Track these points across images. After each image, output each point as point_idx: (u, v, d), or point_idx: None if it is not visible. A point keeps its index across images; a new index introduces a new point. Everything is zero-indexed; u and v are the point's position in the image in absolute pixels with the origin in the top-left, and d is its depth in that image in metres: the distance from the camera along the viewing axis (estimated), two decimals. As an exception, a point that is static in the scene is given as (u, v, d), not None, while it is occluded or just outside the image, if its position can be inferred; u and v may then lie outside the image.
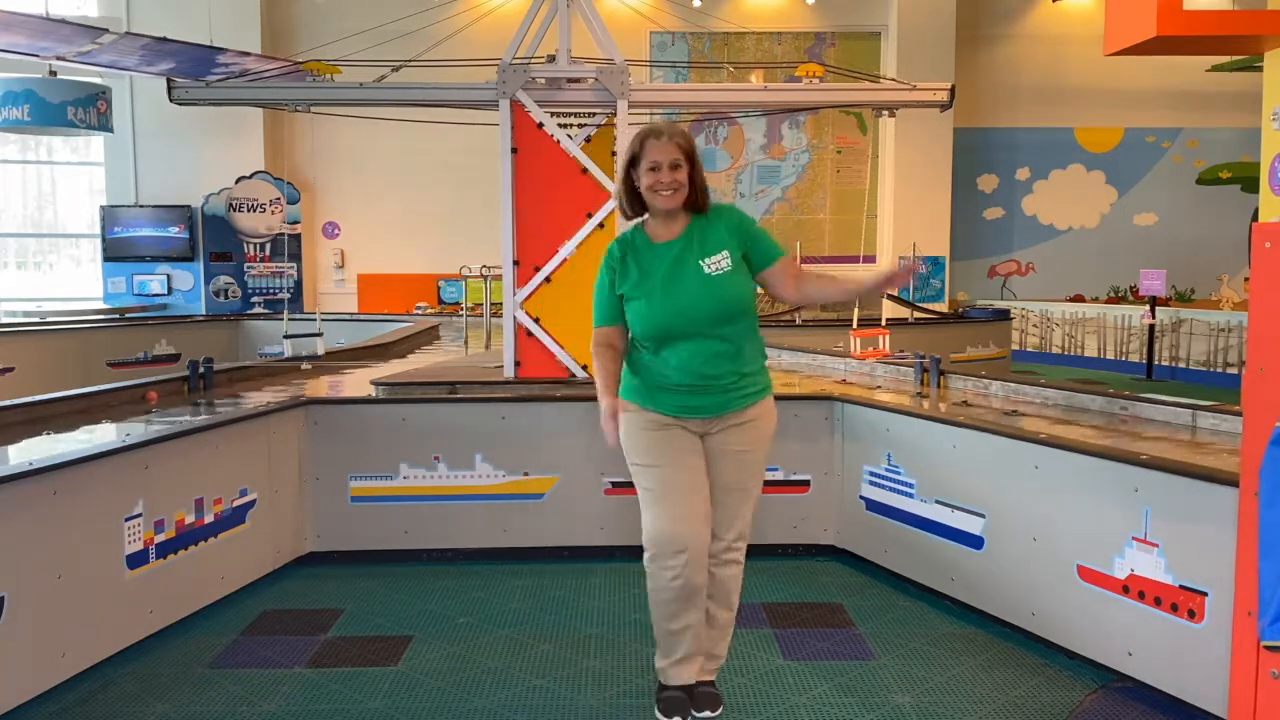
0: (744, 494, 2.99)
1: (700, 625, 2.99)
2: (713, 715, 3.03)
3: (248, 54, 11.19)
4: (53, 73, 10.92)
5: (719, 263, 2.87)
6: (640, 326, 2.90)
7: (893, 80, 6.04)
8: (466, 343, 8.28)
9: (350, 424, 4.63)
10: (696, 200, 2.93)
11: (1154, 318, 11.61)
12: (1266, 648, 2.40)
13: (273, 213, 13.58)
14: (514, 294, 5.14)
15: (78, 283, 14.18)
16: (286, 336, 6.82)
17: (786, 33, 14.20)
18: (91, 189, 14.13)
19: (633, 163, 2.90)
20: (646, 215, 2.99)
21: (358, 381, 5.61)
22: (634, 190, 2.93)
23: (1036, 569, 3.60)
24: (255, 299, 13.60)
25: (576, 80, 5.19)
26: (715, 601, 3.04)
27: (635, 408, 2.94)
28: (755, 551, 4.61)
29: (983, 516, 3.85)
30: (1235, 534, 2.53)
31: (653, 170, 2.85)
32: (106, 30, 10.32)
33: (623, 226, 3.18)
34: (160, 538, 3.70)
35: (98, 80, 11.80)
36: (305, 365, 6.18)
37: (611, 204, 5.02)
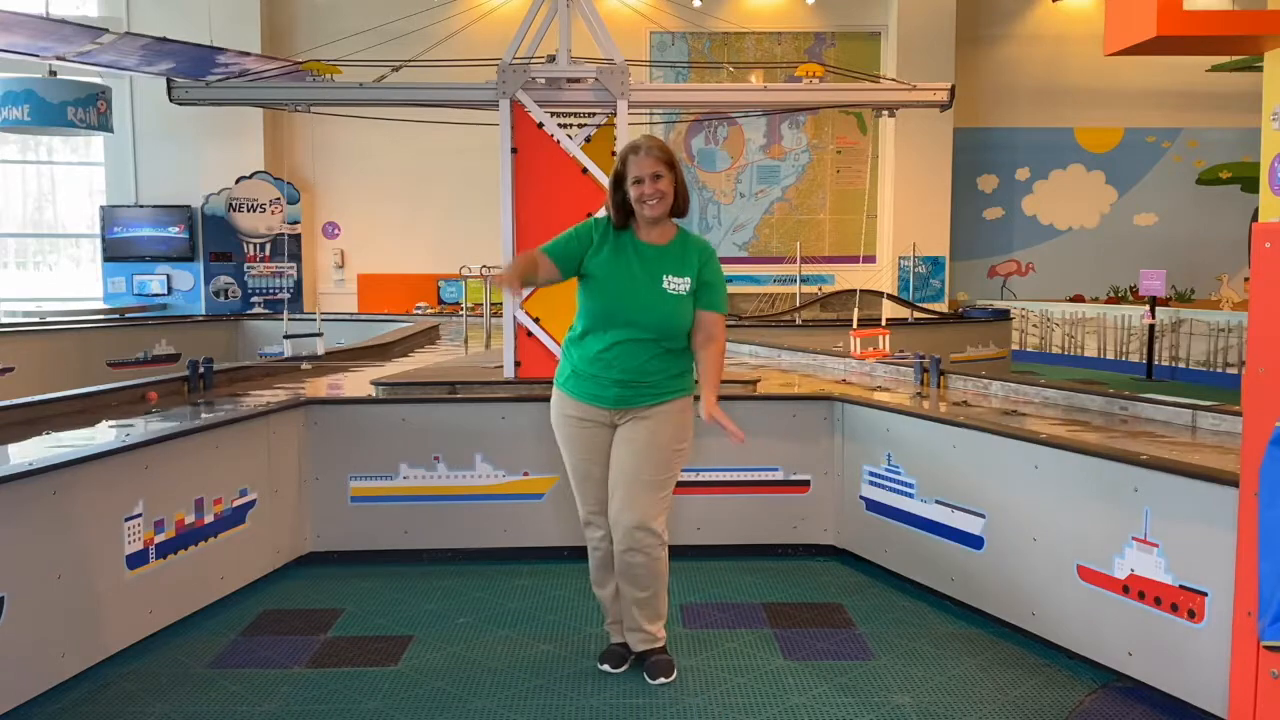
0: (639, 484, 3.15)
1: (615, 594, 3.34)
2: (666, 681, 3.28)
3: (248, 54, 11.19)
4: (53, 73, 10.93)
5: (679, 285, 3.14)
6: (592, 301, 3.15)
7: (893, 80, 6.04)
8: (466, 343, 8.29)
9: (350, 424, 4.63)
10: (678, 205, 3.19)
11: (1154, 318, 11.62)
12: (1266, 648, 2.40)
13: (273, 213, 13.58)
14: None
15: (78, 283, 14.19)
16: (286, 336, 6.82)
17: (786, 33, 14.21)
18: (91, 189, 14.14)
19: (619, 179, 3.16)
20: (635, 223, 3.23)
21: (358, 381, 5.61)
22: (622, 203, 3.18)
23: (1036, 569, 3.60)
24: (255, 299, 13.60)
25: (576, 80, 5.19)
26: (626, 583, 3.25)
27: (562, 395, 3.28)
28: (755, 552, 4.66)
29: (983, 516, 3.85)
30: (1235, 534, 2.53)
31: (637, 183, 3.11)
32: (106, 30, 10.32)
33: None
34: (160, 538, 3.70)
35: (98, 80, 11.81)
36: (305, 365, 6.18)
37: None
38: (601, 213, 3.38)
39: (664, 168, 3.12)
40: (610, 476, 3.21)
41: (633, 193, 3.12)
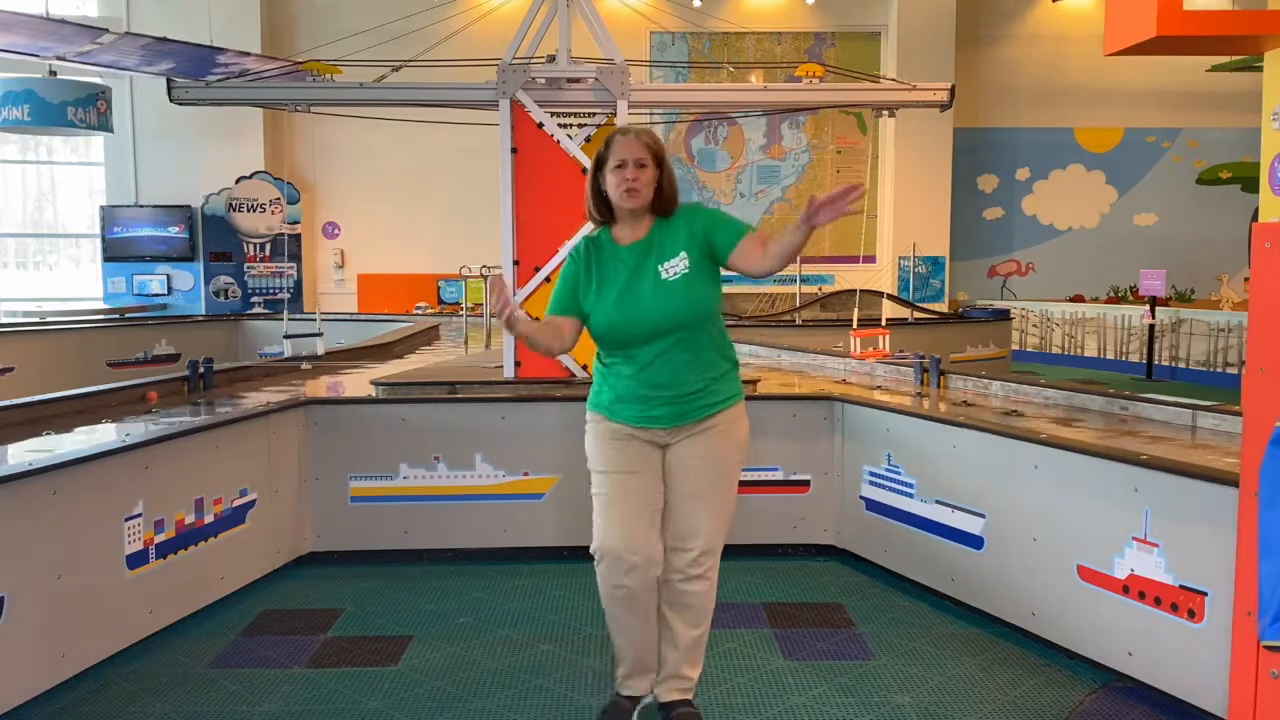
0: (706, 503, 2.87)
1: (650, 638, 2.93)
2: None
3: (248, 54, 11.19)
4: (53, 73, 10.93)
5: (676, 266, 2.81)
6: (598, 334, 2.87)
7: (893, 80, 6.04)
8: (466, 343, 8.28)
9: (350, 424, 4.63)
10: (663, 205, 2.87)
11: (1154, 318, 11.62)
12: (1266, 648, 2.40)
13: (273, 213, 13.58)
14: (514, 294, 5.14)
15: (78, 283, 14.19)
16: (286, 336, 6.83)
17: (786, 33, 14.21)
18: (91, 189, 14.14)
19: (599, 165, 2.85)
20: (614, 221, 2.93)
21: (358, 381, 5.61)
22: (601, 195, 2.88)
23: (1036, 569, 3.60)
24: (255, 299, 13.60)
25: (576, 80, 5.18)
26: (681, 619, 2.92)
27: (600, 418, 2.92)
28: (755, 551, 4.65)
29: (983, 516, 3.85)
30: (1235, 534, 2.53)
31: (619, 167, 2.79)
32: (106, 30, 10.33)
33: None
34: (160, 538, 3.70)
35: (98, 80, 11.81)
36: (305, 365, 6.18)
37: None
38: (578, 239, 3.04)
39: (649, 157, 2.81)
40: (669, 500, 2.89)
41: (612, 178, 2.80)
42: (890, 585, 4.31)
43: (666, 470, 2.89)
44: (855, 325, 5.93)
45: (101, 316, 11.33)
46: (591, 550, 2.86)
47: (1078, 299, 14.71)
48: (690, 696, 2.98)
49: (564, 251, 5.07)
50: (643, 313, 2.79)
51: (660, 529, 2.89)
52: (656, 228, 2.88)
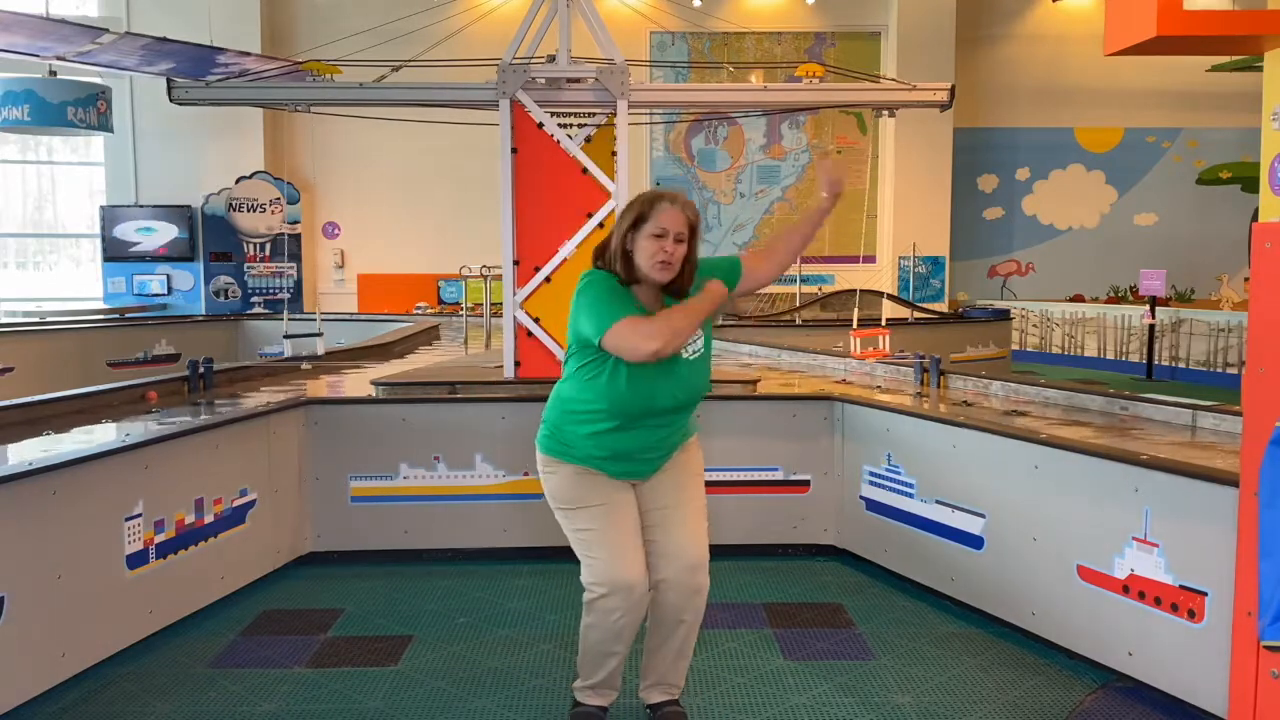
0: (692, 515, 2.82)
1: (624, 659, 2.86)
2: None
3: (248, 54, 11.19)
4: (53, 73, 10.93)
5: (695, 344, 2.74)
6: (610, 403, 2.68)
7: (893, 80, 6.04)
8: (466, 343, 8.28)
9: (350, 424, 4.63)
10: (681, 284, 2.72)
11: (1154, 318, 11.62)
12: (1266, 648, 2.40)
13: (273, 213, 13.58)
14: (514, 294, 5.14)
15: (78, 283, 14.19)
16: (286, 336, 6.82)
17: (786, 33, 14.21)
18: (91, 189, 14.14)
19: (637, 223, 2.67)
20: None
21: (358, 381, 5.61)
22: (627, 253, 2.70)
23: (1036, 569, 3.60)
24: (255, 299, 13.60)
25: (576, 80, 5.19)
26: (674, 630, 2.84)
27: (578, 469, 2.80)
28: (755, 551, 4.65)
29: (983, 516, 3.85)
30: (1235, 534, 2.53)
31: (659, 237, 2.64)
32: (106, 30, 10.32)
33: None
34: (160, 538, 3.70)
35: (98, 80, 11.80)
36: (305, 365, 6.18)
37: (611, 204, 5.03)
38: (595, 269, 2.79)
39: (689, 233, 2.68)
40: (657, 519, 2.81)
41: (648, 245, 2.63)
42: (890, 585, 4.31)
43: (643, 497, 2.84)
44: (855, 325, 5.92)
45: (101, 316, 11.33)
46: (592, 585, 2.75)
47: (1078, 299, 14.71)
48: (677, 695, 2.98)
49: (564, 252, 5.07)
50: (671, 391, 2.70)
51: (653, 548, 2.82)
52: (670, 300, 2.75)
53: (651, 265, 2.65)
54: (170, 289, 13.55)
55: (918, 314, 11.08)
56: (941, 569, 4.07)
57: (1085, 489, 3.39)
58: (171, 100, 5.47)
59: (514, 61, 5.12)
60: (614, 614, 2.72)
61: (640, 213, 2.67)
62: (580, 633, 2.85)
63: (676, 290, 2.73)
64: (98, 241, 13.52)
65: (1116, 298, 14.76)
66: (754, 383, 5.13)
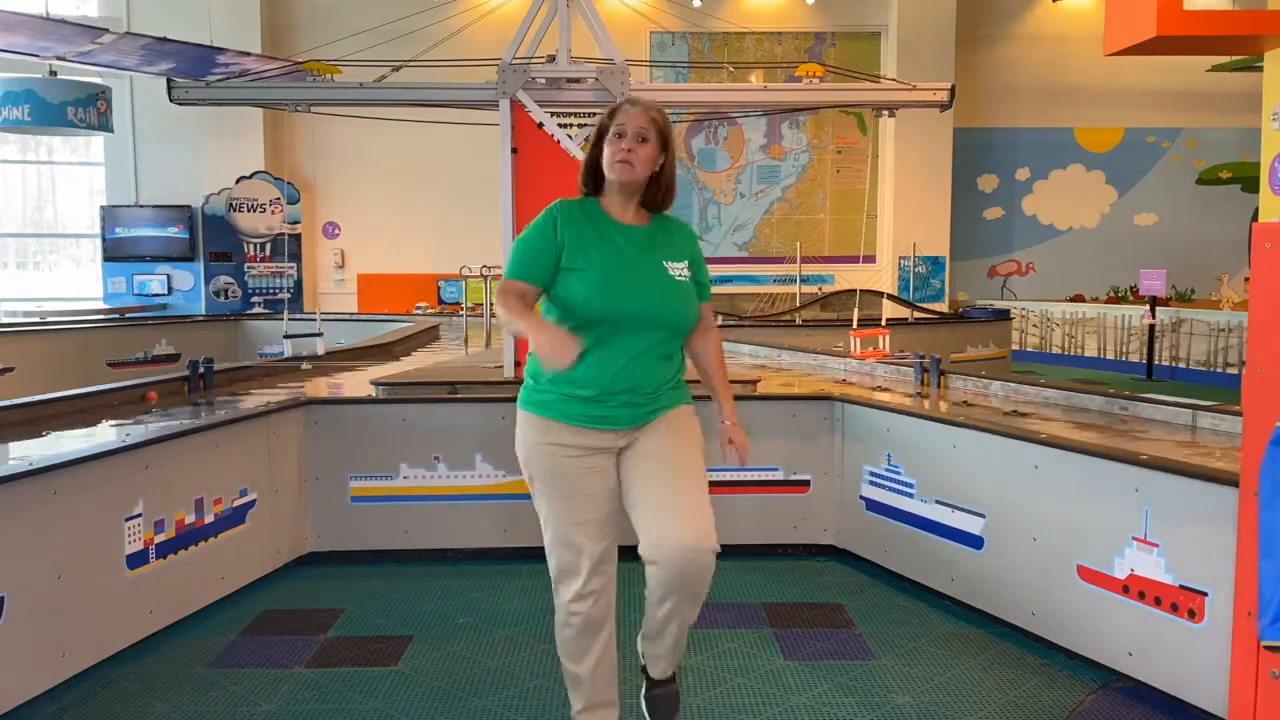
0: (689, 494, 2.54)
1: (613, 664, 2.71)
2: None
3: (248, 54, 11.19)
4: (53, 73, 10.93)
5: (680, 270, 2.62)
6: (586, 303, 2.50)
7: (893, 80, 6.05)
8: (466, 343, 8.28)
9: (350, 424, 4.63)
10: (658, 196, 2.63)
11: (1154, 318, 11.62)
12: (1266, 648, 2.40)
13: (273, 213, 13.59)
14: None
15: (78, 283, 14.19)
16: (286, 336, 6.83)
17: (786, 33, 14.21)
18: (91, 189, 14.14)
19: (601, 133, 2.59)
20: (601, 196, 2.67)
21: (358, 381, 5.61)
22: (595, 164, 2.62)
23: (1036, 569, 3.60)
24: (255, 299, 13.61)
25: (576, 80, 5.19)
26: (670, 620, 2.61)
27: (546, 422, 2.57)
28: (755, 551, 4.65)
29: (983, 516, 3.85)
30: (1235, 534, 2.53)
31: (618, 136, 2.54)
32: (106, 30, 10.32)
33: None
34: (160, 538, 3.70)
35: (98, 80, 11.81)
36: (305, 365, 6.18)
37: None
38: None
39: (654, 133, 2.55)
40: (640, 500, 2.57)
41: (608, 148, 2.55)
42: (890, 585, 4.31)
43: (628, 469, 2.61)
44: (855, 325, 5.93)
45: (101, 316, 11.33)
46: (551, 572, 2.68)
47: (1078, 299, 14.71)
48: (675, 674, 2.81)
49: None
50: (646, 295, 2.54)
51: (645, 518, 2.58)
52: (656, 223, 2.66)
53: (610, 164, 2.55)
54: (170, 289, 13.55)
55: (918, 314, 11.08)
56: (941, 569, 4.07)
57: (1085, 489, 3.39)
58: (171, 100, 5.48)
59: (514, 61, 5.12)
60: (567, 608, 2.67)
61: (603, 121, 2.61)
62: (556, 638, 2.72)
63: (652, 203, 2.65)
64: (98, 241, 13.52)
65: (1116, 298, 14.76)
66: (754, 383, 5.13)
